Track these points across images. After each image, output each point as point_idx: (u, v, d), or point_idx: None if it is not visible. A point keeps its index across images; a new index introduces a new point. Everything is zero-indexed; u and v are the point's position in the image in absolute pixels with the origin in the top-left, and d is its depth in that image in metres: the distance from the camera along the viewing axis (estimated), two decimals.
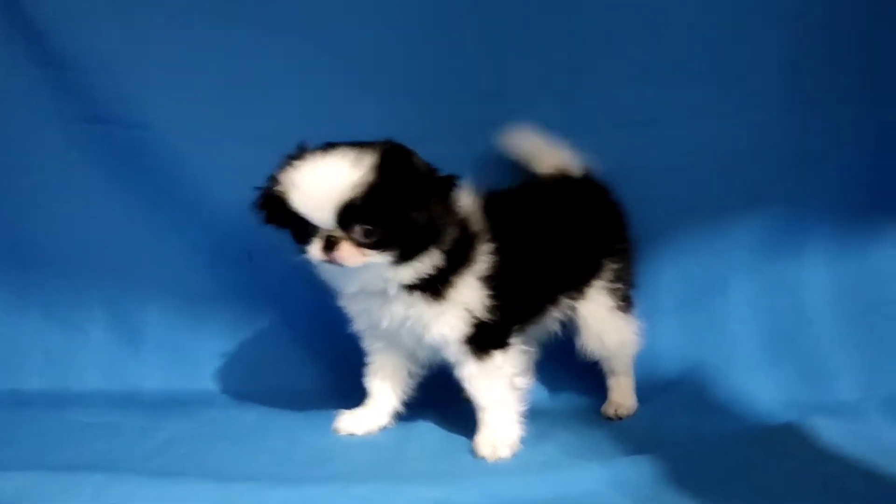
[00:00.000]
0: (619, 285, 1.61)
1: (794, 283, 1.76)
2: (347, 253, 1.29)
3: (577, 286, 1.59)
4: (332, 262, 1.31)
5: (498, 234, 1.41)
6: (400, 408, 1.57)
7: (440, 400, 1.62)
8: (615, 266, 1.61)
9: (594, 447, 1.44)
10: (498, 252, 1.40)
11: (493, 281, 1.39)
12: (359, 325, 1.51)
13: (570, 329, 1.66)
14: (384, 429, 1.56)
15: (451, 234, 1.36)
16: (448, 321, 1.39)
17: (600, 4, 1.75)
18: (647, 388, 1.72)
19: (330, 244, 1.30)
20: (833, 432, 1.42)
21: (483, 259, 1.39)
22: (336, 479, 1.28)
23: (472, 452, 1.41)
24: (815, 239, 1.75)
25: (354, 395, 1.61)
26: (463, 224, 1.39)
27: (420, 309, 1.38)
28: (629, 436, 1.50)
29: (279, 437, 1.51)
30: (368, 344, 1.55)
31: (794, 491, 1.23)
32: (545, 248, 1.50)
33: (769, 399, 1.65)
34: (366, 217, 1.28)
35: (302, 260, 1.37)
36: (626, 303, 1.63)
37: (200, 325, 1.90)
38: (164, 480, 1.25)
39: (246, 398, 1.80)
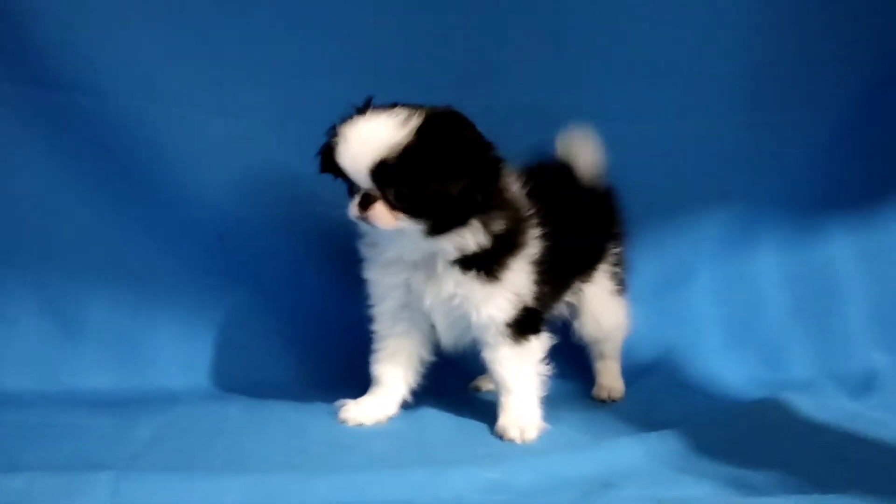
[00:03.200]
0: (618, 269, 1.67)
1: (751, 274, 1.90)
2: (379, 213, 1.29)
3: (588, 270, 1.63)
4: (364, 220, 1.31)
5: (542, 218, 1.42)
6: (408, 396, 1.51)
7: (439, 388, 1.57)
8: (616, 250, 1.67)
9: (605, 427, 1.46)
10: (544, 237, 1.41)
11: (539, 266, 1.40)
12: (388, 303, 1.44)
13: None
14: (391, 419, 1.49)
15: (497, 215, 1.35)
16: (498, 303, 1.38)
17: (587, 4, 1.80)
18: (627, 372, 1.78)
19: (366, 202, 1.29)
20: (804, 405, 1.54)
21: (533, 244, 1.40)
22: (375, 466, 1.20)
23: (498, 436, 1.39)
24: (770, 233, 1.91)
25: (325, 386, 1.55)
26: (514, 207, 1.39)
27: (471, 288, 1.37)
28: (629, 416, 1.54)
29: (278, 429, 1.40)
30: (384, 328, 1.48)
31: (805, 456, 1.32)
32: (576, 232, 1.52)
33: (734, 379, 1.78)
34: (398, 179, 1.27)
35: (345, 215, 1.35)
36: (622, 286, 1.69)
37: (151, 315, 1.71)
38: (182, 475, 1.11)
39: (211, 393, 1.65)
